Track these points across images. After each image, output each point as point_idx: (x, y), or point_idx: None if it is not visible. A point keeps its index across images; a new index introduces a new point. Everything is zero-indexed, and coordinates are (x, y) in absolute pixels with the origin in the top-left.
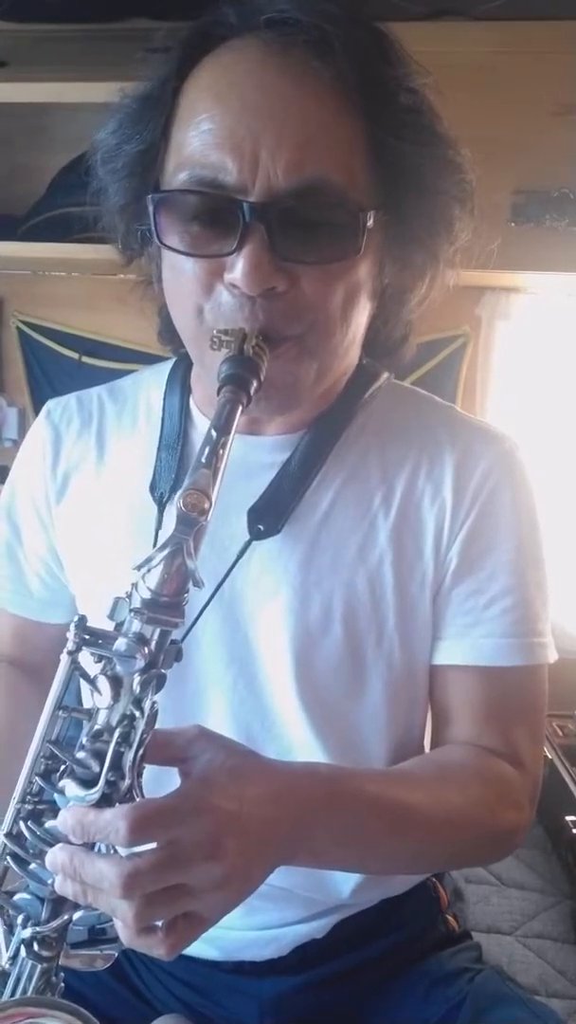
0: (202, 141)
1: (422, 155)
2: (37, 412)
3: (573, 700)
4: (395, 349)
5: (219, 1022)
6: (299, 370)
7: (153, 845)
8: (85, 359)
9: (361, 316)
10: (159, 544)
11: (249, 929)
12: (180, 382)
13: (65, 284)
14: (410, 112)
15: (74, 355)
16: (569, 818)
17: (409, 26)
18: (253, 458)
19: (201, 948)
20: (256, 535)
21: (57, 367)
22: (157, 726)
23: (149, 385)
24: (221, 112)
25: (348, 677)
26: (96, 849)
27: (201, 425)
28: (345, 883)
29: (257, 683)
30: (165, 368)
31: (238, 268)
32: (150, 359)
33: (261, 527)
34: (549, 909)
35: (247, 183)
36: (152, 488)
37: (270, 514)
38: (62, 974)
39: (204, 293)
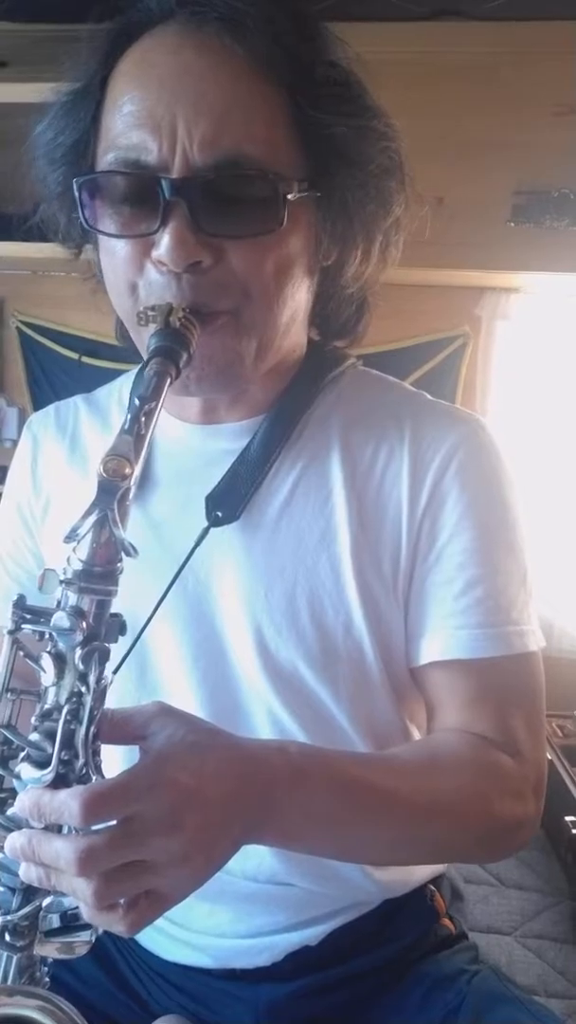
0: (125, 123)
1: (347, 125)
2: (37, 411)
3: (573, 700)
4: (349, 328)
5: None
6: (237, 346)
7: (114, 823)
8: (85, 359)
9: (299, 291)
10: (83, 512)
11: (240, 937)
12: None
13: (65, 284)
14: (330, 84)
15: (74, 355)
16: (569, 818)
17: (409, 26)
18: (212, 446)
19: (194, 956)
20: (214, 521)
21: (57, 367)
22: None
23: (121, 385)
24: (142, 94)
25: (320, 667)
26: (65, 832)
27: (163, 414)
28: (346, 874)
29: (228, 676)
30: (136, 368)
31: (163, 245)
32: None
33: (219, 514)
34: (549, 909)
35: (167, 160)
36: None
37: (227, 501)
38: (45, 967)
39: (136, 272)
